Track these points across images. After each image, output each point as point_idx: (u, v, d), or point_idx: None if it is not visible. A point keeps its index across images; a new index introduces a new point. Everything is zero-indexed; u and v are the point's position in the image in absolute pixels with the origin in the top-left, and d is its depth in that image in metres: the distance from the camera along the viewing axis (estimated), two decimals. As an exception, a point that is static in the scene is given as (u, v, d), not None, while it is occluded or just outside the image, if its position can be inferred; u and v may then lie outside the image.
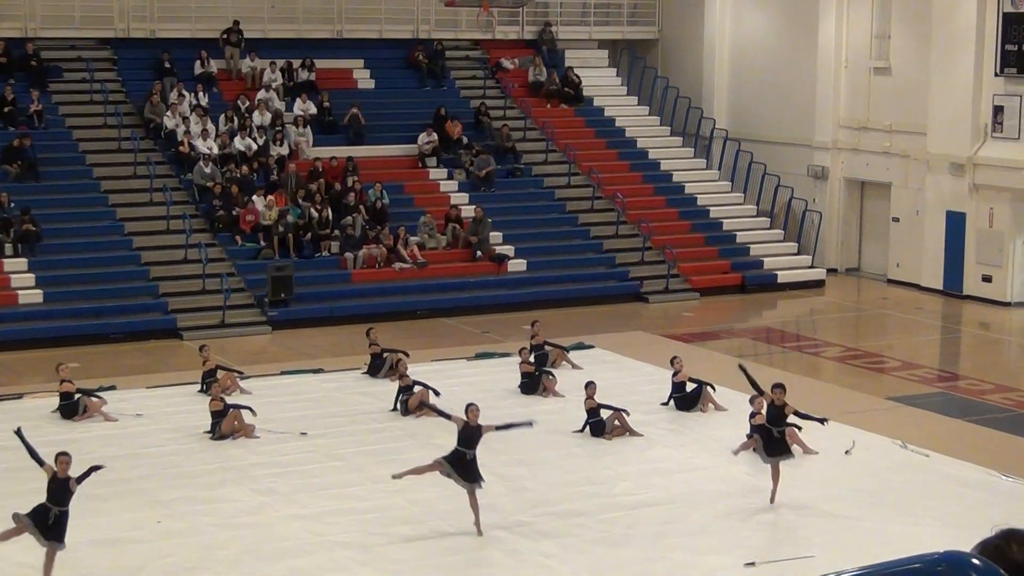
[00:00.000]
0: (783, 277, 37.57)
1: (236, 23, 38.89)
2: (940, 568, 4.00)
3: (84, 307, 31.02)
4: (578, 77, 42.32)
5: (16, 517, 16.58)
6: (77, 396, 23.98)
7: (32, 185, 33.75)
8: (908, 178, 37.67)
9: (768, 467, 19.56)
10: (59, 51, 37.96)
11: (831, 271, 39.03)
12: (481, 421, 18.81)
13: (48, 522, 16.25)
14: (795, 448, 21.55)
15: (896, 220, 38.08)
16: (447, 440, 21.84)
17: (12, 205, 32.45)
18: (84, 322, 30.60)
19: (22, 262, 31.76)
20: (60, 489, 16.44)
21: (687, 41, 43.64)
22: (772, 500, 19.41)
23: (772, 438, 19.42)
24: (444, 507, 18.66)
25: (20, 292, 31.05)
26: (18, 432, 17.39)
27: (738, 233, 38.81)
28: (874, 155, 38.59)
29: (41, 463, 16.70)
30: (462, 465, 18.48)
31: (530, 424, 20.29)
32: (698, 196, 39.90)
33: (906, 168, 37.65)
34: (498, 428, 19.27)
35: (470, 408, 19.05)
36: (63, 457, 16.67)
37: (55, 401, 24.08)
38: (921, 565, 4.03)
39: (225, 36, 38.83)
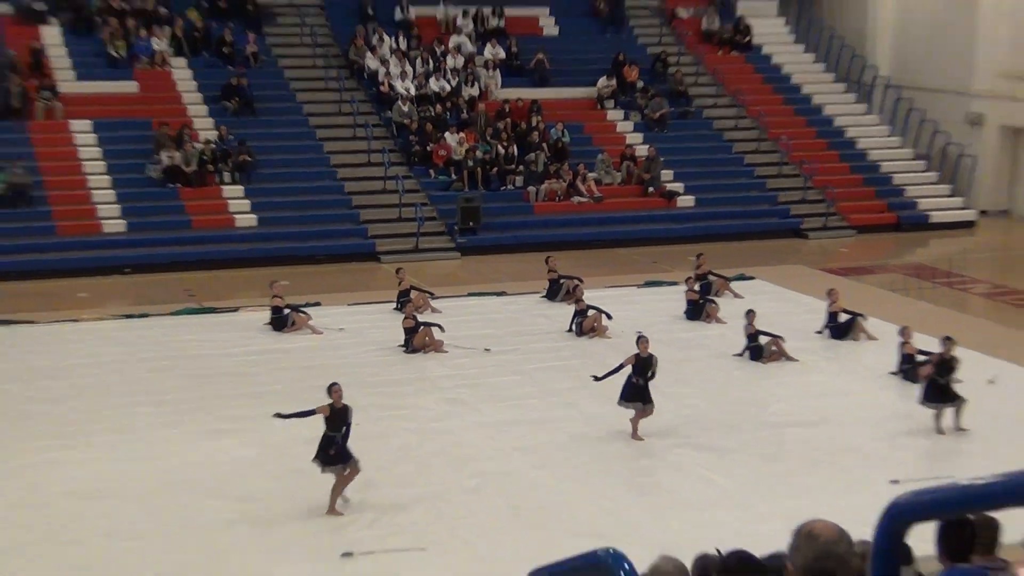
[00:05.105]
0: (935, 217, 37.00)
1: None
2: None
3: (293, 231, 31.84)
4: (749, 26, 41.94)
5: (323, 467, 15.95)
6: (286, 311, 24.69)
7: (248, 119, 34.62)
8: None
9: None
10: (274, -3, 38.81)
11: (982, 213, 38.33)
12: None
13: (331, 451, 15.99)
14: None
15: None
16: (617, 360, 22.11)
17: (231, 137, 33.38)
18: (293, 244, 31.44)
19: (239, 189, 32.71)
20: (339, 417, 16.12)
21: (852, -8, 43.00)
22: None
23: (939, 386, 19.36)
24: (613, 420, 18.95)
25: (237, 216, 32.02)
26: (279, 415, 16.66)
27: (895, 175, 38.25)
28: (1031, 104, 37.73)
29: (312, 412, 16.09)
30: (637, 391, 18.85)
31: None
32: (858, 140, 39.33)
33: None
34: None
35: (641, 339, 19.35)
36: (336, 387, 16.24)
37: (267, 315, 24.85)
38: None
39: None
